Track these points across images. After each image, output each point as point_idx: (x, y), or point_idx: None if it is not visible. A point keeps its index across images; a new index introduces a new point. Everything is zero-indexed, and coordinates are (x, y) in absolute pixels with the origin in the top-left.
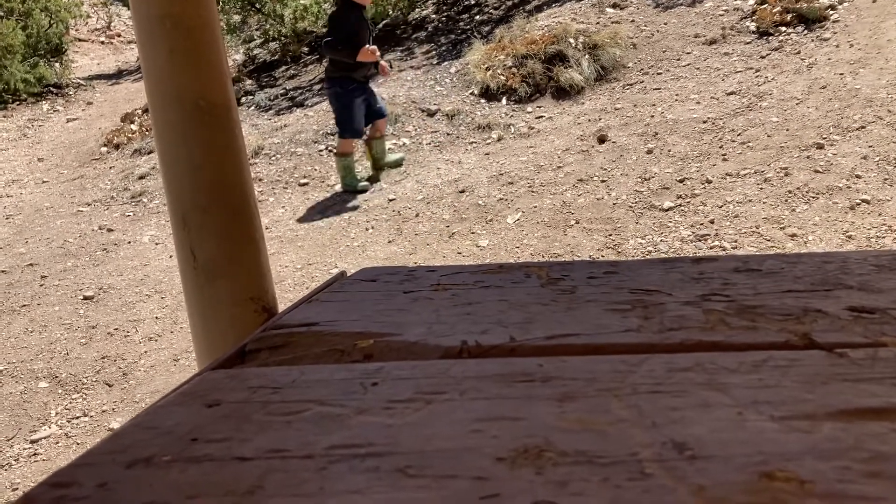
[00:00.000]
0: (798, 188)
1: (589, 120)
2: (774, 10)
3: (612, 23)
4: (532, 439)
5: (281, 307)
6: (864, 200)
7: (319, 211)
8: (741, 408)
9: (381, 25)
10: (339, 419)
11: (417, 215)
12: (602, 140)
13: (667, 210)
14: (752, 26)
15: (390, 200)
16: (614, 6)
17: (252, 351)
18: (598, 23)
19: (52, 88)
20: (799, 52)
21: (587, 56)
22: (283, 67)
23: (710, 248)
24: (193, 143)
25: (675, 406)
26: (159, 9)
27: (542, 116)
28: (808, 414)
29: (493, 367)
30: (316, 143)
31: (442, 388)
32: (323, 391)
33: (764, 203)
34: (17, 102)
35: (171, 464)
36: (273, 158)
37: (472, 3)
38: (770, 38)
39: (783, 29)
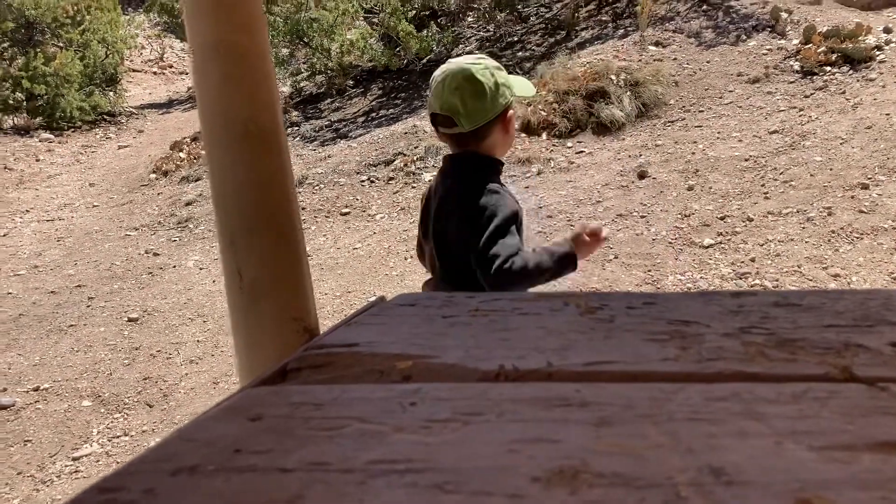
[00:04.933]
0: (842, 228)
1: (629, 156)
2: (819, 50)
3: (655, 60)
4: (568, 461)
5: (321, 332)
6: None
7: (360, 240)
8: (779, 437)
9: (424, 61)
10: (378, 436)
11: None
12: (642, 176)
13: (707, 247)
14: (797, 66)
15: None
16: (657, 44)
17: (293, 369)
18: (640, 60)
19: (105, 116)
20: (844, 92)
21: (628, 93)
22: (329, 100)
23: (751, 287)
24: (242, 166)
25: (713, 433)
26: (214, 36)
27: (582, 151)
28: (847, 445)
29: (530, 391)
30: (358, 173)
31: (479, 410)
32: (363, 409)
33: (806, 242)
34: (73, 129)
35: (214, 473)
36: (316, 188)
37: (515, 39)
38: (814, 77)
39: (828, 69)
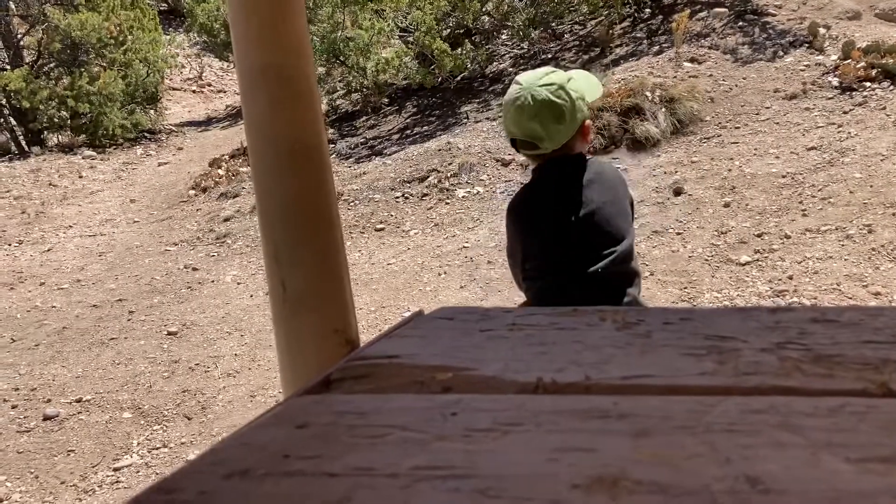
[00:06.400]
0: (882, 246)
1: (665, 172)
2: (858, 66)
3: (690, 77)
4: (607, 469)
5: (361, 344)
6: None
7: (394, 256)
8: (815, 448)
9: (458, 78)
10: (420, 444)
11: (490, 262)
12: (678, 192)
13: (744, 264)
14: (835, 81)
15: (463, 247)
16: (692, 60)
17: (336, 380)
18: (675, 77)
19: (146, 134)
20: (884, 108)
21: (663, 109)
22: (364, 117)
23: (789, 305)
24: (288, 182)
25: (749, 444)
26: (262, 59)
27: (617, 168)
28: (884, 458)
29: (568, 403)
30: (393, 190)
31: (518, 420)
32: (405, 418)
33: (846, 260)
34: (114, 146)
35: (265, 477)
36: (351, 204)
37: (550, 56)
38: (853, 93)
39: (867, 84)
